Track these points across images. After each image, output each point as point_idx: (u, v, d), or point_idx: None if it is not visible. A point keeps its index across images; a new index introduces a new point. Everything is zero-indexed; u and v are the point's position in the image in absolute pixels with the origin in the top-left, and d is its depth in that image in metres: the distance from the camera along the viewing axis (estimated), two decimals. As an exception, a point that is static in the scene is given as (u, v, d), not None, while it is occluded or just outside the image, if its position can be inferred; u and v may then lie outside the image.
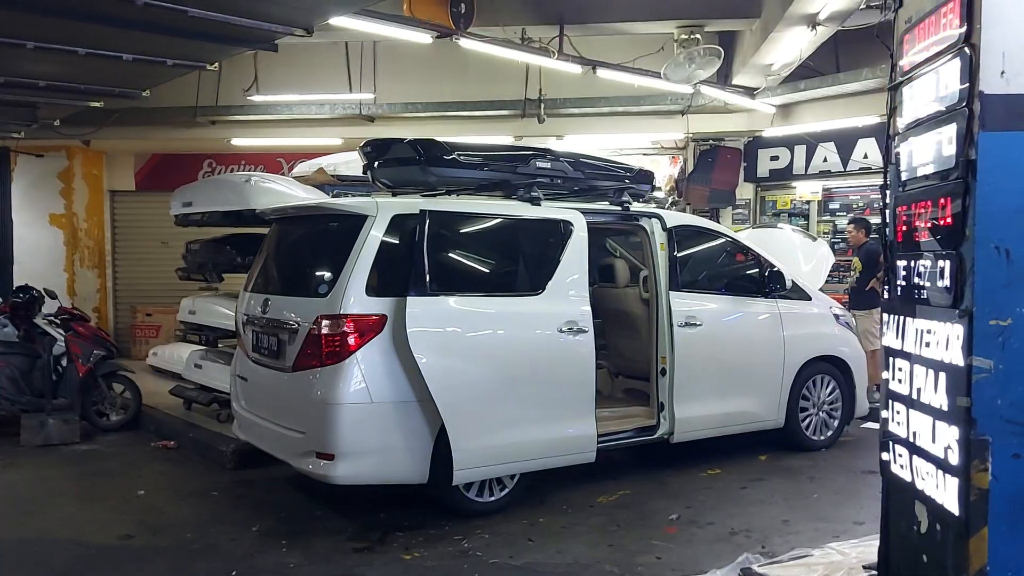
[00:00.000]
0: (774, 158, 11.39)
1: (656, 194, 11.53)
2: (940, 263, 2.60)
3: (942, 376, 2.61)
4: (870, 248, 8.58)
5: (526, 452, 5.05)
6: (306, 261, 5.41)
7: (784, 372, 6.53)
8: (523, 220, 5.44)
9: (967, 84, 2.56)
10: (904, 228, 2.88)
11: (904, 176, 2.99)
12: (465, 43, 7.54)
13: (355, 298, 4.63)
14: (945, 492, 2.59)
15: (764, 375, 6.46)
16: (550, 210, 5.57)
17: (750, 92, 9.11)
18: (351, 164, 7.56)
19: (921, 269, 2.67)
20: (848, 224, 8.79)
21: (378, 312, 4.67)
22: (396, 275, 4.78)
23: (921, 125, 2.86)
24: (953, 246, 2.56)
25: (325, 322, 4.64)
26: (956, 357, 2.54)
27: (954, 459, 2.54)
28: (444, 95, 10.08)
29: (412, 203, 4.97)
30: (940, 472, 2.61)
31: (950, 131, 2.62)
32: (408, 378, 4.67)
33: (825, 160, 10.72)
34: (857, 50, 8.82)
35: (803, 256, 7.85)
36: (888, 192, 3.14)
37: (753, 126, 10.31)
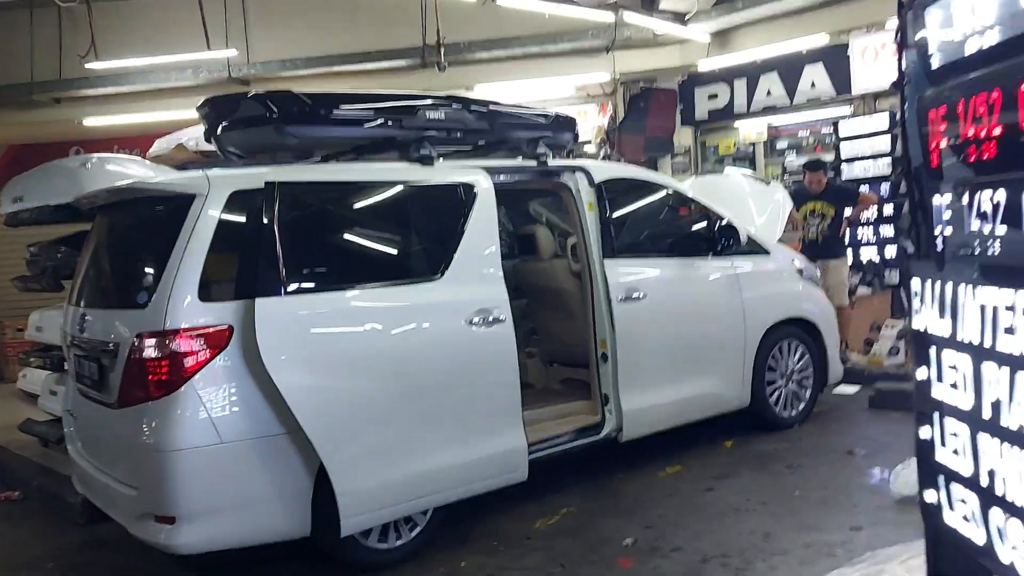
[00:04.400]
0: (712, 96, 10.68)
1: (586, 148, 10.70)
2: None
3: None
4: (839, 187, 7.86)
5: (437, 482, 4.13)
6: (125, 261, 4.35)
7: (746, 342, 5.77)
8: (411, 187, 4.49)
9: None
10: (945, 144, 1.93)
11: (938, 60, 2.02)
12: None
13: (185, 306, 3.62)
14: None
15: (723, 348, 5.70)
16: (446, 171, 4.62)
17: (681, 18, 8.21)
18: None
19: (987, 206, 1.75)
20: (809, 172, 7.95)
21: (219, 322, 3.65)
22: (241, 271, 3.80)
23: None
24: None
25: (147, 341, 3.61)
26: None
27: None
28: (329, 47, 9.05)
29: (255, 174, 3.95)
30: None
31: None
32: (271, 406, 3.70)
33: (769, 94, 10.03)
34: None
35: (755, 204, 7.05)
36: (905, 91, 2.15)
37: (687, 60, 9.51)
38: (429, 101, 4.85)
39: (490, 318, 4.35)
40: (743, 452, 5.60)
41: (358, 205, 4.35)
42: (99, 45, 8.21)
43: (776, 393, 6.02)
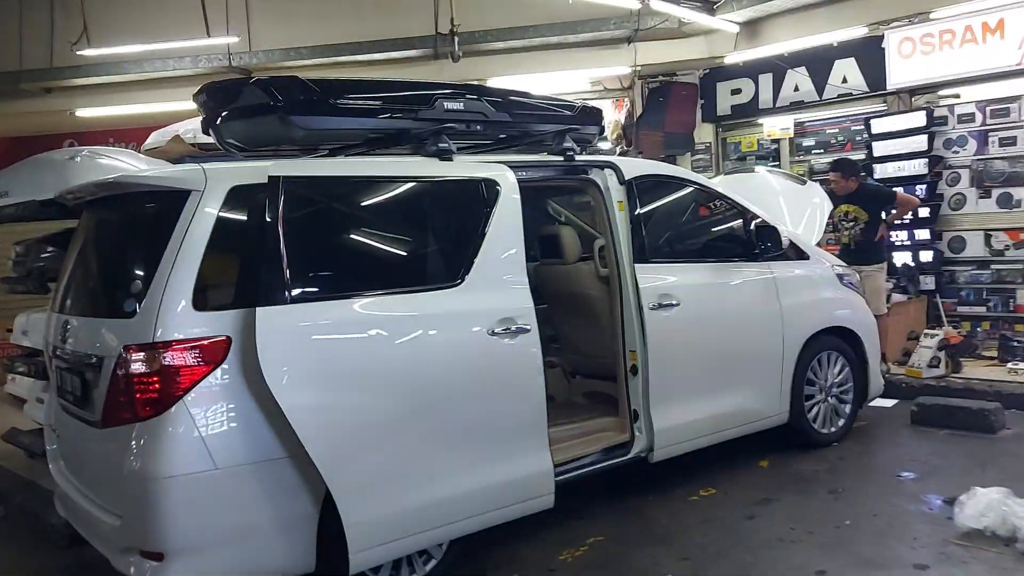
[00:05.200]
0: (736, 91, 10.30)
1: (601, 144, 10.36)
2: None
3: None
4: (872, 189, 7.49)
5: (455, 510, 3.77)
6: (112, 264, 3.99)
7: (785, 353, 5.43)
8: (428, 183, 4.13)
9: None
10: None
11: None
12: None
13: (177, 315, 3.26)
14: None
15: (761, 360, 5.36)
16: (466, 166, 4.26)
17: (710, 7, 7.84)
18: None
19: None
20: (830, 172, 7.61)
21: (215, 333, 3.30)
22: (240, 276, 3.46)
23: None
24: None
25: (134, 354, 3.25)
26: None
27: None
28: (336, 36, 8.66)
29: (256, 168, 3.59)
30: None
31: None
32: (272, 426, 3.35)
33: (796, 89, 9.64)
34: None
35: (788, 204, 6.70)
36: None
37: (714, 51, 9.09)
38: (447, 91, 4.50)
39: (514, 328, 4.00)
40: (781, 473, 5.25)
41: (370, 203, 3.99)
42: (92, 31, 7.87)
43: (815, 408, 5.68)
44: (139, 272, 3.42)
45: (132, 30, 8.10)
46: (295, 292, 3.39)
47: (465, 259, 3.97)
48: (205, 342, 3.28)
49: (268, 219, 3.42)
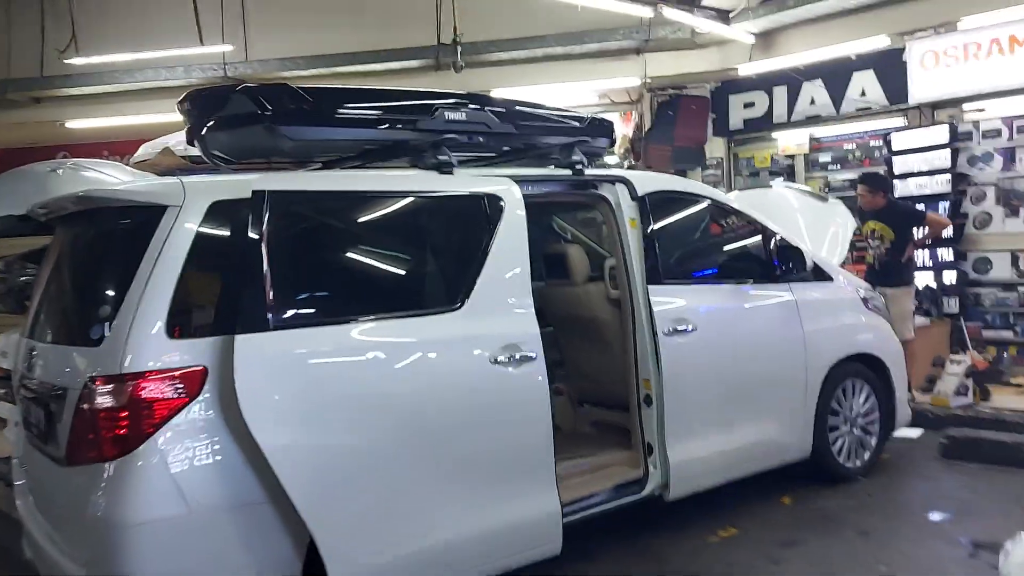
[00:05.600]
0: (749, 105, 10.10)
1: (608, 158, 10.11)
2: None
3: None
4: (901, 207, 7.21)
5: (451, 559, 3.48)
6: (80, 286, 3.72)
7: (808, 382, 5.14)
8: (426, 199, 3.88)
9: None
10: None
11: None
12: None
13: (148, 343, 2.99)
14: None
15: (783, 389, 5.06)
16: (468, 180, 4.00)
17: (724, 16, 7.59)
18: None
19: None
20: (858, 186, 7.35)
21: (190, 363, 3.03)
22: (220, 300, 3.19)
23: None
24: None
25: (100, 387, 2.98)
26: None
27: None
28: (334, 45, 8.47)
29: (240, 181, 3.33)
30: None
31: None
32: (251, 467, 3.06)
33: (813, 102, 9.43)
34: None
35: (807, 221, 6.43)
36: None
37: (727, 63, 8.88)
38: (448, 100, 4.25)
39: (518, 356, 3.72)
40: (805, 511, 4.94)
41: (364, 220, 3.73)
42: (82, 39, 7.65)
43: (839, 441, 5.38)
44: (109, 295, 3.16)
45: (123, 38, 7.92)
46: (279, 318, 3.13)
47: (466, 281, 3.70)
48: (179, 373, 3.01)
49: (251, 237, 3.17)
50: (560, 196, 4.70)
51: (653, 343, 4.39)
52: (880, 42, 7.76)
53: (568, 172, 4.48)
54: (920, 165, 8.39)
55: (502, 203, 3.93)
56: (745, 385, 4.85)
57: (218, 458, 3.04)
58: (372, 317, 3.42)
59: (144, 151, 7.09)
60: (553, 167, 4.54)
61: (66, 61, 7.78)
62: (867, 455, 5.53)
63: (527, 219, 3.99)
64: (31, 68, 8.13)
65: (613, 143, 5.18)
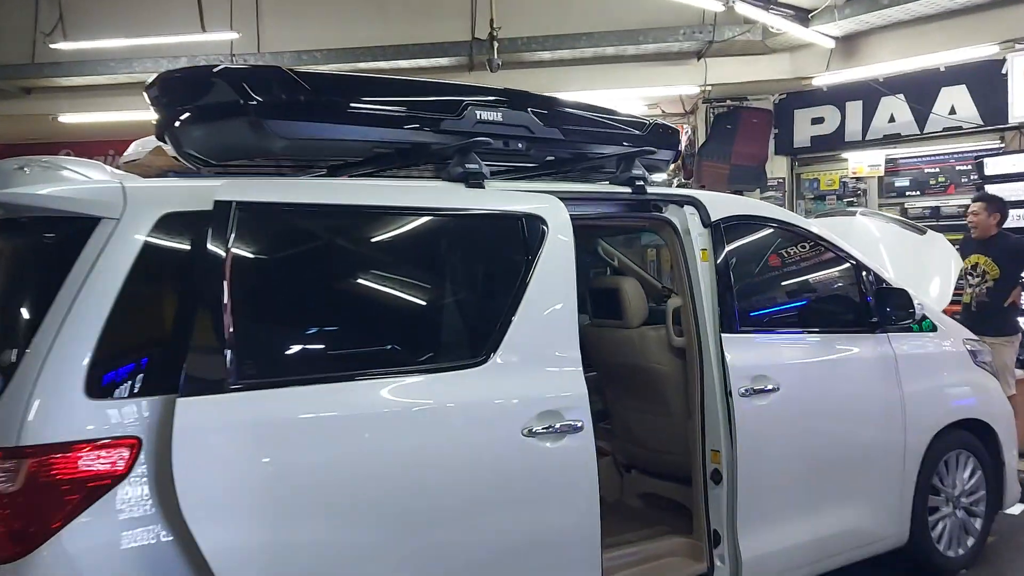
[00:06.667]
0: (817, 120, 9.46)
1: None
2: None
3: None
4: (1013, 242, 6.36)
5: None
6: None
7: (906, 454, 4.37)
8: (447, 218, 3.15)
9: None
10: None
11: None
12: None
13: (58, 405, 2.29)
14: None
15: (877, 463, 4.31)
16: (502, 196, 3.27)
17: (804, 16, 6.84)
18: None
19: None
20: (972, 203, 6.53)
21: (115, 434, 2.31)
22: (161, 348, 2.47)
23: None
24: None
25: (-10, 467, 2.25)
26: None
27: None
28: (356, 38, 7.85)
29: (200, 190, 2.62)
30: None
31: None
32: (193, 569, 2.32)
33: (892, 120, 8.71)
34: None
35: (894, 256, 5.63)
36: None
37: (799, 71, 8.19)
38: (481, 96, 3.54)
39: (559, 425, 2.97)
40: (901, 617, 4.13)
41: (362, 245, 3.00)
42: (73, 22, 7.07)
43: (940, 524, 4.60)
44: (14, 335, 2.44)
45: (119, 23, 7.34)
46: (240, 375, 2.41)
47: (494, 327, 2.97)
48: (100, 446, 2.28)
49: (210, 264, 2.45)
50: (615, 219, 3.99)
51: (726, 405, 3.68)
52: (986, 51, 6.95)
53: (626, 189, 3.74)
54: (1019, 194, 7.56)
55: (544, 226, 3.20)
56: (835, 460, 4.13)
57: (151, 561, 2.31)
58: (364, 375, 2.68)
59: (134, 150, 6.48)
60: (607, 183, 3.81)
61: (52, 46, 7.21)
62: (971, 541, 4.75)
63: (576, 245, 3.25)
64: (21, 54, 7.58)
65: (678, 156, 4.43)
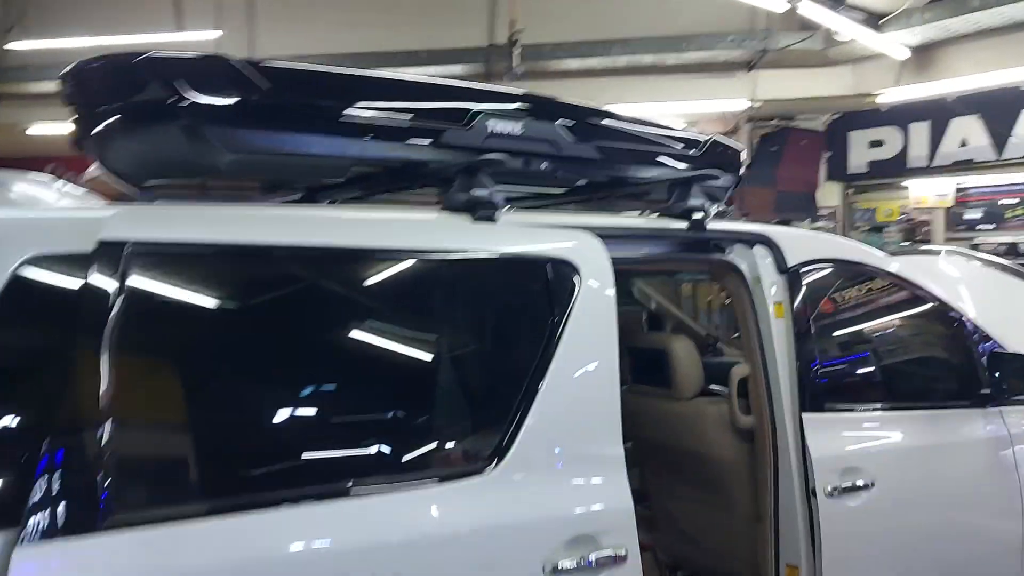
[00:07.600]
0: (876, 143, 8.86)
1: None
2: None
3: None
4: None
5: None
6: None
7: (1024, 561, 3.62)
8: (442, 264, 2.37)
9: None
10: None
11: None
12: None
13: None
14: None
15: (991, 568, 3.57)
16: (519, 233, 2.50)
17: (875, 21, 6.09)
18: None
19: None
20: None
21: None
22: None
23: None
24: None
25: None
26: None
27: None
28: (361, 43, 7.25)
29: (81, 223, 1.91)
30: None
31: None
32: None
33: (964, 144, 8.02)
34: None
35: (979, 301, 4.82)
36: None
37: (862, 86, 7.53)
38: (495, 101, 2.78)
39: (594, 558, 2.18)
40: None
41: (318, 305, 2.22)
42: (35, 19, 6.45)
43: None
44: None
45: (87, 21, 6.70)
46: (120, 504, 1.65)
47: (503, 421, 2.19)
48: None
49: (88, 329, 1.72)
50: (665, 262, 3.22)
51: (807, 507, 2.94)
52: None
53: (682, 223, 2.98)
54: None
55: (576, 274, 2.43)
56: (940, 570, 3.34)
57: None
58: (319, 495, 1.90)
59: (96, 168, 5.90)
60: (657, 214, 3.06)
61: (6, 46, 6.59)
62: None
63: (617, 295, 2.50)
64: (-12, 57, 6.99)
65: (740, 181, 3.67)
